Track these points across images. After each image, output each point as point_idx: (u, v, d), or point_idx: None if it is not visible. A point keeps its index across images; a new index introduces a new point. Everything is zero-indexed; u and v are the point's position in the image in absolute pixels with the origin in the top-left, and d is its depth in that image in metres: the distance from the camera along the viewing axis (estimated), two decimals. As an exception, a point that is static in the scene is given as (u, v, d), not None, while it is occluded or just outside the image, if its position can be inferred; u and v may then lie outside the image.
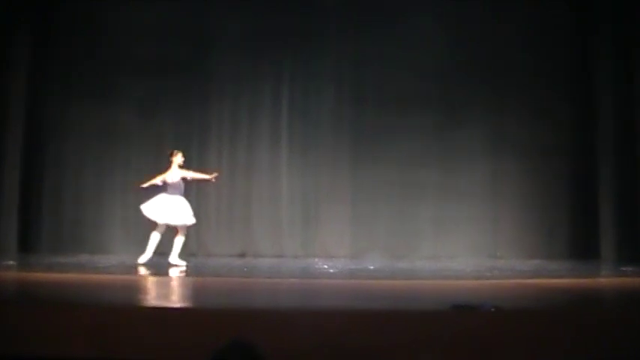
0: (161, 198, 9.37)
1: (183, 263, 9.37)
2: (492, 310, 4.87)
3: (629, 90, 10.54)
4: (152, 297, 6.95)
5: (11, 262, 9.44)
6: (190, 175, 9.54)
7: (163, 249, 9.56)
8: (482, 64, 11.28)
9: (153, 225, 9.46)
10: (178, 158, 9.49)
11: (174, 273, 8.76)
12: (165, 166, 9.52)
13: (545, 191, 11.25)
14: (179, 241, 9.44)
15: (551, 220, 11.21)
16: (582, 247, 11.03)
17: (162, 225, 9.40)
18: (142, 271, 8.90)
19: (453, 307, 4.93)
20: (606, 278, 8.99)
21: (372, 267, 9.73)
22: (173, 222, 9.38)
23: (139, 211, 10.48)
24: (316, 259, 10.71)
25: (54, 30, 11.38)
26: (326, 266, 9.75)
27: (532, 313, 5.10)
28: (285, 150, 11.51)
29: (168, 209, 9.33)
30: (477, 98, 11.30)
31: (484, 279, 8.33)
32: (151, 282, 8.23)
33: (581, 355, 4.54)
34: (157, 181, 9.37)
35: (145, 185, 9.42)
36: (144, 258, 9.37)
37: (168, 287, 7.74)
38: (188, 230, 9.67)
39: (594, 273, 9.39)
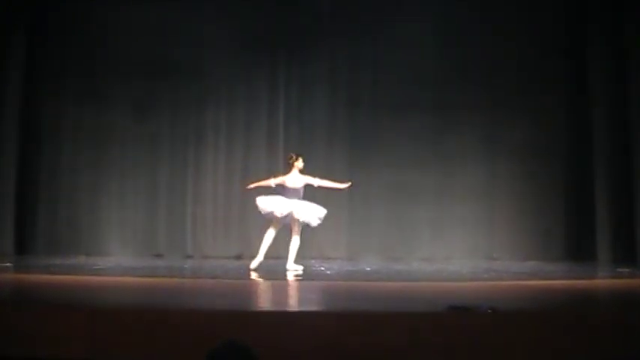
0: (279, 198, 8.93)
1: (300, 268, 9.01)
2: (489, 311, 4.87)
3: (624, 92, 10.56)
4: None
5: (7, 264, 9.43)
6: (318, 182, 9.01)
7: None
8: (477, 67, 11.29)
9: (266, 225, 9.15)
10: (300, 163, 8.98)
11: (290, 276, 8.58)
12: (285, 170, 9.20)
13: (540, 193, 11.27)
14: (295, 243, 9.03)
15: (547, 221, 11.22)
16: (578, 248, 11.06)
17: (277, 224, 8.97)
18: (254, 276, 8.67)
19: (450, 308, 4.93)
20: (602, 279, 9.00)
21: (368, 268, 9.73)
22: (297, 215, 8.84)
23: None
24: (313, 261, 10.71)
25: (49, 31, 11.37)
26: (322, 268, 9.75)
27: (528, 315, 5.11)
28: (281, 152, 11.51)
29: (289, 205, 8.84)
30: (472, 101, 11.32)
31: (480, 280, 8.33)
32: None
33: (578, 356, 4.55)
34: (271, 182, 8.97)
35: (251, 186, 9.13)
36: (256, 262, 9.04)
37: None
38: (302, 233, 9.14)
39: (590, 274, 9.40)
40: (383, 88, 11.37)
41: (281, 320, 4.81)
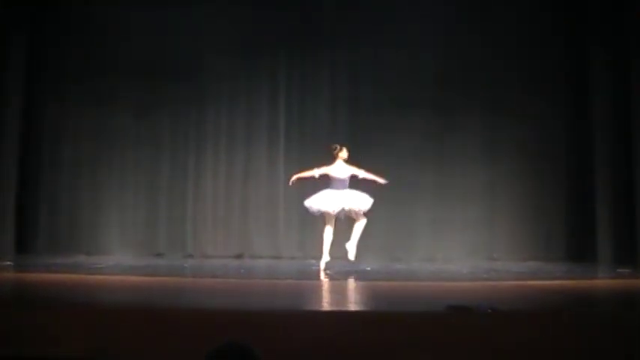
0: (326, 193, 8.98)
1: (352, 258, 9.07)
2: (489, 311, 4.88)
3: (624, 92, 10.55)
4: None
5: (8, 263, 9.44)
6: (362, 174, 9.09)
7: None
8: (478, 67, 11.28)
9: (322, 224, 9.19)
10: (344, 153, 9.07)
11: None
12: (330, 161, 9.18)
13: (541, 193, 11.26)
14: (361, 225, 9.07)
15: (547, 221, 11.22)
16: (579, 248, 11.04)
17: (332, 220, 8.99)
18: (323, 275, 8.70)
19: (450, 308, 4.94)
20: (602, 280, 9.00)
21: (368, 268, 9.73)
22: (348, 206, 8.91)
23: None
24: (313, 260, 10.71)
25: (50, 31, 11.37)
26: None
27: (528, 315, 5.11)
28: (281, 151, 11.52)
29: (339, 198, 8.88)
30: (473, 100, 11.31)
31: (480, 280, 8.34)
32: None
33: (577, 356, 4.55)
34: (315, 173, 8.99)
35: (294, 178, 9.13)
36: (324, 261, 9.07)
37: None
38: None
39: (591, 275, 9.41)
40: (383, 87, 11.36)
41: (281, 320, 4.81)
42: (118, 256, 10.82)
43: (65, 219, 11.27)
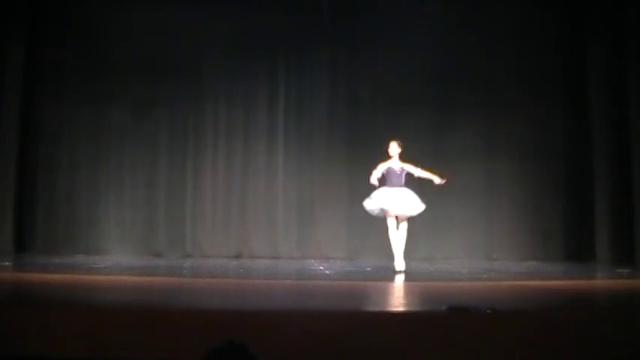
0: (383, 191, 8.85)
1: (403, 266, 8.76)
2: (488, 311, 4.86)
3: (623, 92, 10.56)
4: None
5: (6, 263, 9.42)
6: (418, 172, 9.02)
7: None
8: (476, 66, 11.30)
9: (385, 227, 8.94)
10: (398, 148, 9.01)
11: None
12: (384, 157, 9.06)
13: (540, 193, 11.27)
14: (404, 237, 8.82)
15: (546, 221, 11.23)
16: (577, 248, 11.06)
17: (393, 219, 8.79)
18: (400, 278, 8.45)
19: (448, 308, 4.92)
20: (601, 280, 8.99)
21: (368, 268, 9.72)
22: (403, 212, 8.77)
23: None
24: (312, 260, 10.71)
25: (49, 30, 11.37)
26: (322, 267, 9.74)
27: (527, 315, 5.10)
28: (280, 150, 11.53)
29: (397, 199, 8.74)
30: (471, 100, 11.33)
31: (479, 280, 8.32)
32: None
33: (577, 356, 4.54)
34: (381, 169, 8.88)
35: (374, 181, 8.89)
36: (399, 264, 8.76)
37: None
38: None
39: (589, 275, 9.40)
40: (382, 86, 11.38)
41: (281, 320, 4.80)
42: (117, 255, 10.82)
43: (64, 219, 11.28)
